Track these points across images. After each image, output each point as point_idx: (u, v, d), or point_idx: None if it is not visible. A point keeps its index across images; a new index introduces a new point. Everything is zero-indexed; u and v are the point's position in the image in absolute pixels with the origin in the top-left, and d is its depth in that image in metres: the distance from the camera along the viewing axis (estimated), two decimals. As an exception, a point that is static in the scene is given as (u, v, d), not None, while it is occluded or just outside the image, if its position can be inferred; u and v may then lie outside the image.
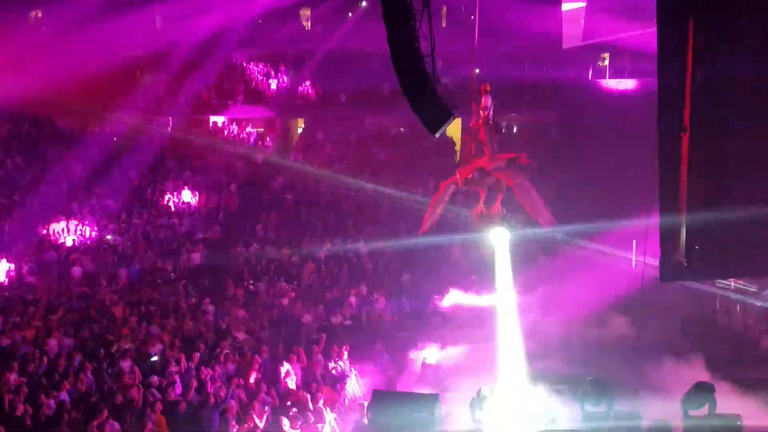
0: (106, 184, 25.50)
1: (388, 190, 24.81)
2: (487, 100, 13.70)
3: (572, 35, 19.87)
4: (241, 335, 16.63)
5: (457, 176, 13.19)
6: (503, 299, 13.91)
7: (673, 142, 11.63)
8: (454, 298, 19.23)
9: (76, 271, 20.42)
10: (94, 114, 28.75)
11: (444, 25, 21.27)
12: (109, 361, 14.08)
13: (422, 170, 25.70)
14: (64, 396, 12.49)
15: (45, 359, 14.23)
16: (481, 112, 13.57)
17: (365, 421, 12.00)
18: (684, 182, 11.74)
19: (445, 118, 10.96)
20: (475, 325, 16.70)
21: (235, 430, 12.22)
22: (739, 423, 11.25)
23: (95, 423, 11.17)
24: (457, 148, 17.86)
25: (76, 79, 27.75)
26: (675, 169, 11.71)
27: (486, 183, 13.26)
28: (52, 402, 12.19)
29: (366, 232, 23.25)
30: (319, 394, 13.56)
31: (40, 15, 30.84)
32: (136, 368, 13.79)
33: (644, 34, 16.75)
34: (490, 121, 13.63)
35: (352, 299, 19.34)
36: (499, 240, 13.59)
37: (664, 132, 11.65)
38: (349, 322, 18.22)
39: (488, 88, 13.79)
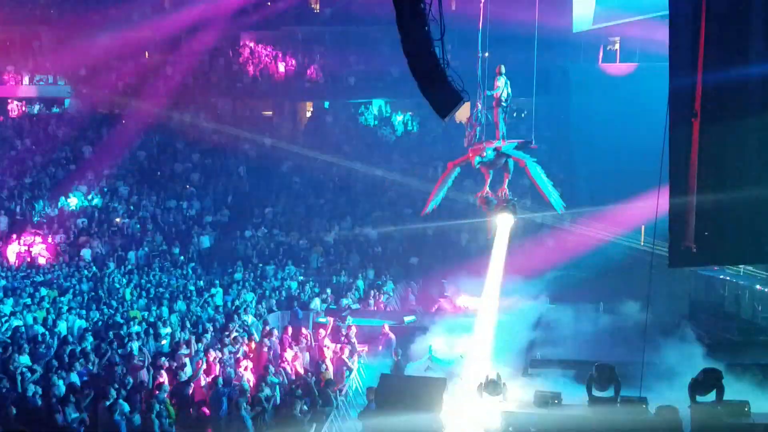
0: (116, 166, 25.61)
1: (396, 174, 24.81)
2: (499, 82, 13.61)
3: (582, 20, 19.73)
4: (249, 318, 16.71)
5: (470, 154, 13.11)
6: (495, 286, 13.89)
7: (684, 128, 11.58)
8: (461, 281, 19.26)
9: (86, 253, 20.57)
10: (105, 97, 28.85)
11: (453, 8, 21.11)
12: (119, 343, 14.18)
13: (431, 154, 25.64)
14: (74, 378, 12.59)
15: (56, 341, 14.36)
16: (494, 93, 13.48)
17: (371, 404, 12.05)
18: (694, 168, 11.69)
19: (455, 101, 10.87)
20: (480, 308, 16.71)
21: (243, 411, 12.29)
22: (746, 409, 11.22)
23: (105, 404, 11.25)
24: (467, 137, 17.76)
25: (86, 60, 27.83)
26: (685, 155, 11.67)
27: (496, 164, 13.19)
28: (62, 383, 12.29)
29: (374, 216, 23.27)
30: (327, 377, 13.62)
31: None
32: (145, 350, 13.90)
33: (655, 19, 16.64)
34: (503, 103, 13.54)
35: (360, 283, 19.41)
36: (502, 224, 13.56)
37: (675, 117, 11.60)
38: (357, 305, 18.30)
39: (502, 70, 13.69)
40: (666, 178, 11.78)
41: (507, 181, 13.42)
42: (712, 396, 11.36)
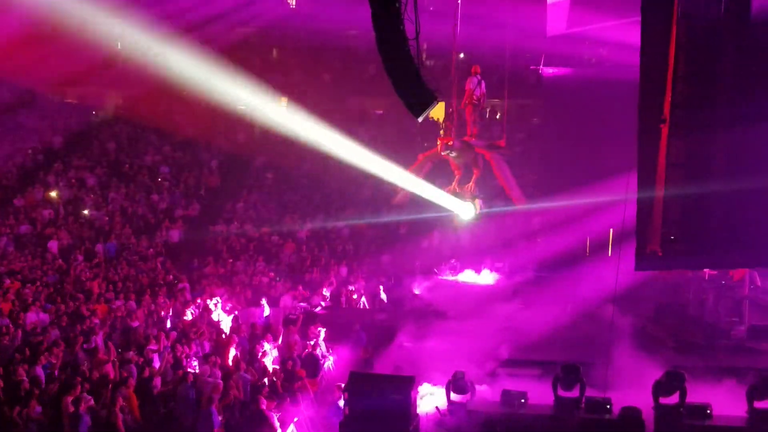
0: (84, 157, 25.29)
1: (371, 170, 24.81)
2: (474, 81, 13.72)
3: (557, 23, 19.90)
4: (218, 313, 16.61)
5: (438, 142, 13.23)
6: (471, 280, 14.08)
7: (653, 133, 11.77)
8: (432, 281, 19.37)
9: (53, 245, 20.28)
10: (72, 84, 28.45)
11: (431, 9, 21.18)
12: (85, 337, 14.02)
13: (406, 152, 25.66)
14: (38, 371, 12.43)
15: (20, 333, 14.16)
16: (467, 92, 13.60)
17: (341, 402, 12.07)
18: (661, 173, 11.89)
19: (429, 101, 10.92)
20: (451, 308, 16.82)
21: (212, 407, 12.23)
22: (709, 411, 11.45)
23: (69, 398, 11.13)
24: (441, 131, 18.05)
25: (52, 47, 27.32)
26: (653, 159, 11.87)
27: (464, 157, 13.33)
28: (26, 377, 12.12)
29: (347, 213, 23.26)
30: (296, 374, 13.61)
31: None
32: (110, 344, 13.76)
33: (628, 24, 16.84)
34: (475, 101, 13.65)
35: (332, 280, 19.39)
36: (464, 216, 13.71)
37: (644, 122, 11.78)
38: (328, 302, 18.28)
39: (478, 70, 13.79)
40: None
41: (475, 177, 13.57)
42: (675, 397, 11.56)
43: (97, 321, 15.06)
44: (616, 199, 14.93)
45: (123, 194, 23.62)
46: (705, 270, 15.91)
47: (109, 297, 16.82)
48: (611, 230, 18.57)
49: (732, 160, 11.71)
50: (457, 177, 13.53)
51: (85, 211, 22.58)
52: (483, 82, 13.75)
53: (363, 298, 18.72)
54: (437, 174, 14.26)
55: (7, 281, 17.10)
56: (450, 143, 13.34)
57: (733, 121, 11.58)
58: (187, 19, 27.31)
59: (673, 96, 11.53)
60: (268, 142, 26.86)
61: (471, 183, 13.44)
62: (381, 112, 29.37)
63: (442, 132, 13.64)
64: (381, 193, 22.38)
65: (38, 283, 17.38)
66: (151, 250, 20.69)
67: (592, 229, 19.02)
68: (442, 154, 13.57)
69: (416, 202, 16.41)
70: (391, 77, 10.63)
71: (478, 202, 13.60)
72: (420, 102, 10.75)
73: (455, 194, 13.39)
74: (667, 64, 11.55)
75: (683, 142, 11.73)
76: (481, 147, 13.38)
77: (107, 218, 22.24)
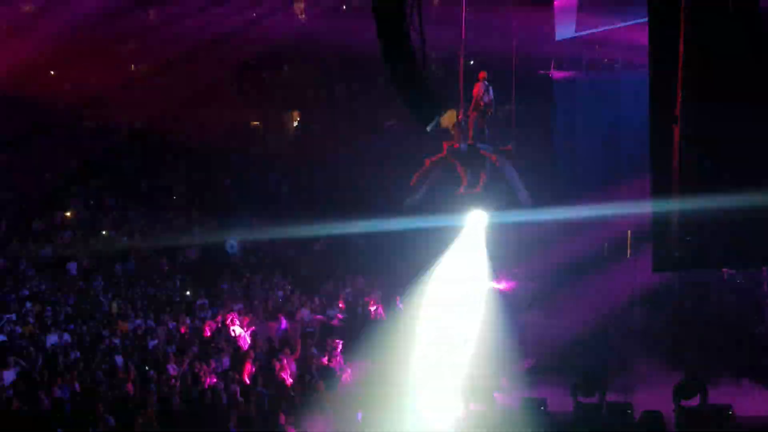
0: (102, 178, 25.54)
1: (385, 182, 24.85)
2: (481, 87, 13.68)
3: (565, 27, 19.86)
4: (236, 329, 16.67)
5: (444, 145, 13.23)
6: (478, 287, 13.98)
7: (665, 134, 11.66)
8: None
9: (72, 266, 20.47)
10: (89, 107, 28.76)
11: (437, 17, 21.19)
12: (105, 357, 14.12)
13: (420, 163, 25.63)
14: (60, 392, 12.53)
15: (41, 355, 14.28)
16: (473, 99, 13.57)
17: (359, 416, 12.06)
18: (676, 173, 11.76)
19: (437, 111, 10.97)
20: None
21: (231, 424, 12.27)
22: (730, 413, 11.31)
23: (89, 419, 11.21)
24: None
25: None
26: (666, 160, 11.74)
27: (471, 163, 13.27)
28: (48, 399, 12.23)
29: (362, 225, 23.25)
30: (314, 388, 13.61)
31: None
32: (130, 364, 13.84)
33: (637, 25, 16.77)
34: (482, 107, 13.60)
35: (348, 291, 19.40)
36: (476, 223, 13.67)
37: (656, 123, 11.68)
38: (344, 315, 18.27)
39: (485, 75, 13.76)
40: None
41: (483, 180, 13.50)
42: (696, 400, 11.44)
43: (116, 341, 15.17)
44: (631, 201, 14.88)
45: (141, 214, 23.83)
46: (724, 270, 15.74)
47: (128, 316, 16.94)
48: (629, 232, 18.43)
49: (745, 157, 11.58)
50: (464, 181, 13.48)
51: (104, 232, 22.80)
52: (491, 88, 13.71)
53: (380, 309, 18.69)
54: (444, 180, 14.23)
55: (28, 304, 17.27)
56: (456, 147, 13.30)
57: (746, 119, 11.45)
58: (198, 39, 27.56)
59: (684, 96, 11.43)
60: (282, 156, 26.97)
61: (479, 186, 13.38)
62: (393, 122, 29.39)
63: (450, 137, 13.56)
64: (394, 202, 22.35)
65: (58, 305, 17.53)
66: (169, 267, 20.83)
67: (609, 232, 18.89)
68: (446, 156, 13.52)
69: (427, 207, 16.35)
70: (397, 88, 10.70)
71: (488, 205, 13.53)
72: (427, 112, 10.80)
73: (463, 198, 13.34)
74: (677, 64, 11.45)
75: (695, 142, 11.61)
76: (487, 151, 13.34)
77: (125, 238, 22.44)
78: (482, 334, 13.94)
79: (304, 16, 30.60)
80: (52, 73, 29.34)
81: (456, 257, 17.42)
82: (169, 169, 26.55)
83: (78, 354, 14.42)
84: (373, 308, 18.64)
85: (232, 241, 20.66)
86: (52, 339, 15.31)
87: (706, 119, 11.59)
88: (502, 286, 18.82)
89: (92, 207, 24.09)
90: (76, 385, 12.90)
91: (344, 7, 30.02)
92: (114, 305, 17.56)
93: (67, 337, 15.52)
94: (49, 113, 28.62)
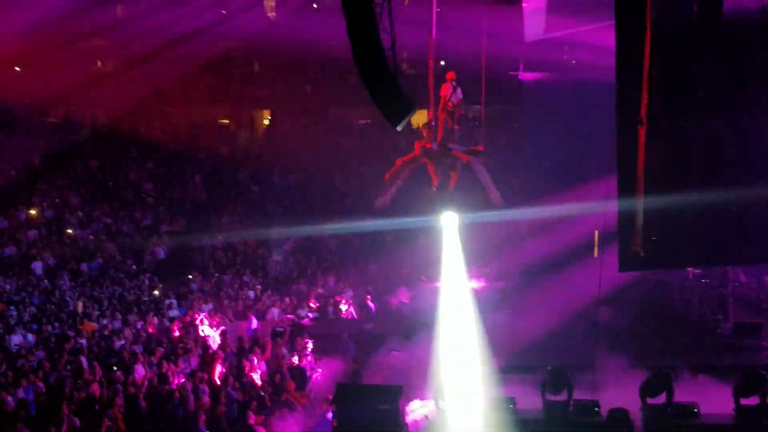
0: (67, 176, 25.17)
1: (355, 181, 24.84)
2: (448, 88, 13.74)
3: (534, 29, 20.03)
4: (205, 329, 16.54)
5: (416, 147, 13.28)
6: (453, 289, 14.07)
7: (631, 135, 11.86)
8: (419, 289, 19.34)
9: (37, 265, 20.14)
10: (53, 104, 28.35)
11: (408, 18, 21.22)
12: (70, 357, 13.92)
13: (390, 161, 25.64)
14: (24, 393, 12.33)
15: (3, 356, 14.05)
16: (441, 100, 13.64)
17: (329, 414, 12.05)
18: (641, 174, 11.97)
19: (407, 111, 10.97)
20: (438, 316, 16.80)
21: (200, 424, 12.18)
22: (696, 411, 11.51)
23: (54, 419, 11.05)
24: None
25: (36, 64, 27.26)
26: (632, 162, 11.95)
27: (443, 163, 13.34)
28: (11, 399, 12.04)
29: (333, 224, 23.21)
30: (284, 387, 13.58)
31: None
32: (96, 364, 13.67)
33: (604, 27, 16.97)
34: (450, 108, 13.67)
35: (319, 291, 19.37)
36: (448, 224, 13.75)
37: (622, 125, 11.88)
38: (315, 314, 18.24)
39: (453, 76, 13.83)
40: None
41: (454, 180, 13.58)
42: (662, 398, 11.61)
43: (82, 341, 14.97)
44: (599, 201, 15.07)
45: (107, 212, 23.51)
46: (688, 269, 16.02)
47: (94, 316, 16.72)
48: (596, 232, 18.63)
49: (709, 159, 11.83)
50: (435, 181, 13.55)
51: (69, 231, 22.45)
52: (459, 88, 13.78)
53: (351, 308, 18.70)
54: (415, 180, 14.31)
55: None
56: (428, 147, 13.38)
57: (709, 121, 11.70)
58: (168, 34, 27.29)
59: (649, 98, 11.64)
60: (252, 154, 26.84)
61: (449, 188, 13.46)
62: (363, 122, 29.42)
63: (422, 137, 13.64)
64: (365, 202, 22.36)
65: (22, 305, 17.24)
66: (137, 267, 20.59)
67: (577, 231, 19.08)
68: (419, 155, 13.58)
69: (397, 207, 16.42)
70: (368, 87, 10.67)
71: (459, 206, 13.62)
72: (398, 111, 10.80)
73: (434, 199, 13.42)
74: (643, 66, 11.65)
75: (661, 143, 11.83)
76: (459, 151, 13.44)
77: (92, 237, 22.13)
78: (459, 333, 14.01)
79: (274, 14, 30.48)
80: (17, 69, 29.01)
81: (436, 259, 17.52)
82: (136, 167, 26.21)
83: (43, 354, 14.21)
84: (344, 307, 18.65)
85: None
86: (16, 339, 15.07)
87: (671, 122, 11.84)
88: (474, 285, 18.94)
89: (57, 205, 23.68)
90: (41, 386, 12.71)
91: (315, 5, 29.99)
92: (80, 305, 17.31)
93: (31, 337, 15.29)
94: (12, 109, 28.22)
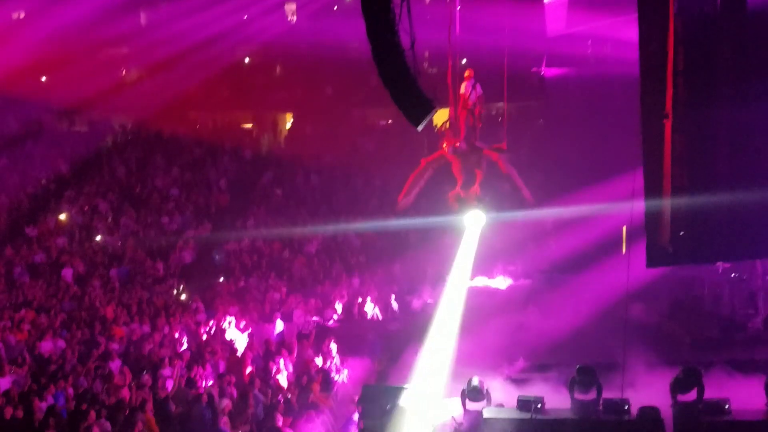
0: (94, 183, 25.48)
1: (378, 181, 24.84)
2: (468, 86, 13.64)
3: (556, 23, 19.90)
4: (232, 332, 16.64)
5: (444, 145, 13.19)
6: (459, 288, 13.96)
7: (656, 129, 11.68)
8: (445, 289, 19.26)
9: (67, 272, 20.40)
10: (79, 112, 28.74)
11: (428, 17, 21.19)
12: (100, 363, 14.08)
13: (413, 161, 25.60)
14: (53, 399, 12.48)
15: (35, 362, 14.24)
16: (461, 98, 13.55)
17: (356, 416, 12.04)
18: (667, 168, 11.79)
19: (427, 110, 10.90)
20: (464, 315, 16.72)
21: (227, 427, 12.25)
22: (727, 407, 11.31)
23: (84, 425, 11.17)
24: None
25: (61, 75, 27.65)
26: (658, 156, 11.77)
27: (469, 162, 13.25)
28: (42, 405, 12.19)
29: (357, 224, 23.22)
30: (310, 390, 13.60)
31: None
32: (126, 368, 13.80)
33: (627, 21, 16.80)
34: (470, 106, 13.57)
35: (344, 292, 19.37)
36: (472, 223, 13.64)
37: (647, 119, 11.70)
38: (340, 315, 18.25)
39: (471, 74, 13.74)
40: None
41: (479, 180, 13.49)
42: (692, 394, 11.43)
43: (113, 346, 15.12)
44: (625, 197, 14.86)
45: (134, 218, 23.75)
46: (718, 264, 15.76)
47: (124, 321, 16.89)
48: (624, 228, 18.41)
49: (736, 151, 11.61)
50: (459, 180, 13.45)
51: (98, 237, 22.72)
52: (478, 85, 13.67)
53: (376, 309, 18.68)
54: (439, 179, 14.24)
55: (22, 311, 17.20)
56: (457, 145, 13.29)
57: (735, 113, 11.49)
58: (191, 40, 27.53)
59: (674, 91, 11.46)
60: (275, 157, 26.95)
61: (476, 185, 13.35)
62: (385, 122, 29.42)
63: (444, 137, 13.57)
64: (389, 202, 22.35)
65: (53, 311, 17.47)
66: (164, 272, 20.77)
67: (603, 228, 18.88)
68: (450, 156, 13.50)
69: (421, 207, 16.36)
70: (388, 88, 10.63)
71: (485, 205, 13.50)
72: (419, 111, 10.74)
73: (459, 198, 13.32)
74: (666, 59, 11.47)
75: (686, 137, 11.63)
76: (487, 149, 13.36)
77: (120, 243, 22.36)
78: (480, 331, 13.93)
79: (294, 18, 30.62)
80: (43, 78, 29.47)
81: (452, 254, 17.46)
82: (162, 173, 26.46)
83: (74, 360, 14.38)
84: (369, 308, 18.63)
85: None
86: (46, 346, 15.26)
87: (696, 114, 11.64)
88: (499, 283, 18.86)
89: (86, 212, 23.98)
90: (71, 391, 12.86)
91: (335, 7, 30.07)
92: (109, 310, 17.49)
93: (61, 343, 15.48)
94: (40, 117, 28.67)
